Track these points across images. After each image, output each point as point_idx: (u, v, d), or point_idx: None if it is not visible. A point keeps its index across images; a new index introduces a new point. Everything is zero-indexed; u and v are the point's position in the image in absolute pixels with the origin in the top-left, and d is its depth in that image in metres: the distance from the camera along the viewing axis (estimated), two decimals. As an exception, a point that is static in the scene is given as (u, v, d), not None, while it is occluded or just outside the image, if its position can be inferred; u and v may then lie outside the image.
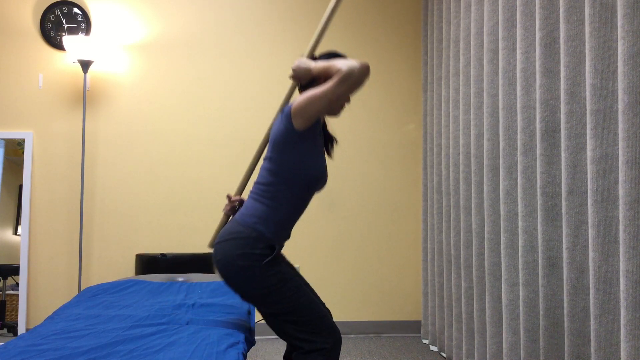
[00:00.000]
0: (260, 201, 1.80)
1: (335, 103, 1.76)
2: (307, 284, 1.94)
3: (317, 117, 1.76)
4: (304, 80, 1.87)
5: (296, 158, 1.78)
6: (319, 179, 1.84)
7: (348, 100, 1.86)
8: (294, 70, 1.87)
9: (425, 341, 3.64)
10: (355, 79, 1.67)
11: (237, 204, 2.00)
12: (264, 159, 1.87)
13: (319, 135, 1.85)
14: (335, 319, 3.70)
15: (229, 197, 2.01)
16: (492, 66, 2.50)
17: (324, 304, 1.92)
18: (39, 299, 3.63)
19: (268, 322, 1.82)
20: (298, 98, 1.75)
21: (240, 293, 1.81)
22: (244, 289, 1.78)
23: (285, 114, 1.77)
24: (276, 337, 2.67)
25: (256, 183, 1.86)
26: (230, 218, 1.93)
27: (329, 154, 1.96)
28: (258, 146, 2.04)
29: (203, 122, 3.78)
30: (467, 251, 2.83)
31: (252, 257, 1.74)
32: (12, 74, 3.70)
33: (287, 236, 1.88)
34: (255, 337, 2.76)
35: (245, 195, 2.01)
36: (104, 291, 2.85)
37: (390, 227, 3.85)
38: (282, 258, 1.89)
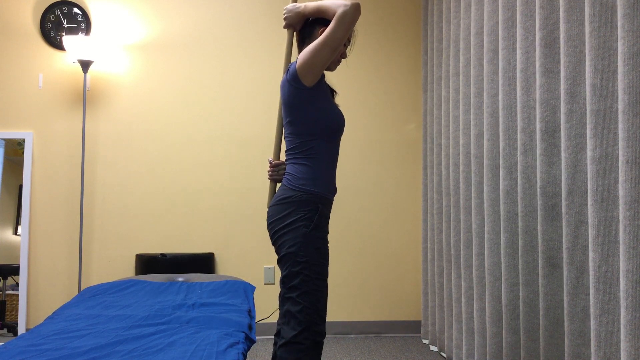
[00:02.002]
0: (300, 164, 1.85)
1: (337, 50, 1.77)
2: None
3: (323, 69, 1.80)
4: (298, 24, 1.92)
5: (315, 114, 1.83)
6: (340, 127, 1.90)
7: (344, 54, 1.92)
8: (285, 18, 1.92)
9: (425, 341, 3.64)
10: (350, 18, 1.72)
11: (278, 168, 2.01)
12: (284, 126, 1.91)
13: (326, 87, 1.91)
14: (335, 319, 3.75)
15: (270, 162, 2.02)
16: (492, 66, 2.50)
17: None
18: (39, 299, 3.63)
19: (280, 288, 1.85)
20: (301, 56, 1.79)
21: (278, 254, 1.84)
22: (282, 249, 1.81)
23: (292, 75, 1.81)
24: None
25: (287, 151, 1.91)
26: (279, 185, 1.97)
27: None
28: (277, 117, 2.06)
29: (203, 122, 3.78)
30: (467, 251, 2.83)
31: (302, 220, 1.79)
32: (12, 74, 3.70)
33: (335, 189, 1.93)
34: (256, 337, 2.76)
35: (282, 158, 2.04)
36: (104, 291, 2.85)
37: (390, 227, 3.85)
38: (327, 243, 1.91)
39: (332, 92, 2.02)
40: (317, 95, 1.83)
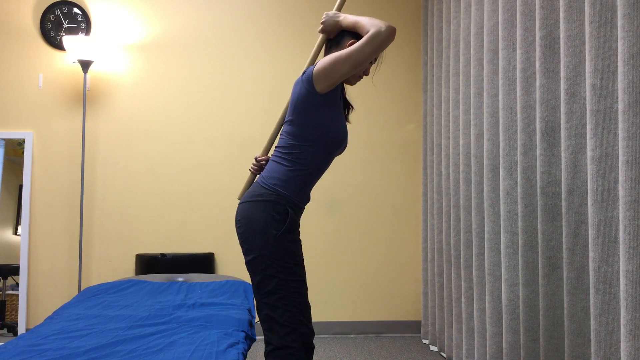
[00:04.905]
0: (281, 163, 1.81)
1: (360, 67, 1.75)
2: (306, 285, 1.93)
3: (340, 80, 1.76)
4: (332, 33, 1.90)
5: (317, 121, 1.79)
6: (339, 142, 1.85)
7: (367, 72, 1.89)
8: (322, 23, 1.90)
9: (425, 341, 3.64)
10: (382, 40, 1.70)
11: (263, 163, 1.98)
12: (284, 123, 1.88)
13: (339, 99, 1.86)
14: (335, 319, 3.75)
15: (255, 158, 2.00)
16: (492, 66, 2.50)
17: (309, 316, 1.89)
18: (39, 299, 3.63)
19: (254, 296, 1.80)
20: (321, 61, 1.76)
21: (247, 256, 1.79)
22: (253, 251, 1.76)
23: (307, 77, 1.78)
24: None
25: (277, 147, 1.87)
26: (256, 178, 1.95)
27: (346, 119, 1.98)
28: (275, 124, 2.04)
29: (203, 122, 3.78)
30: (467, 251, 2.83)
31: (272, 221, 1.74)
32: (12, 74, 3.70)
33: (307, 198, 1.88)
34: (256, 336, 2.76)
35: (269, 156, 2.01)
36: (104, 291, 2.85)
37: (390, 227, 3.85)
38: (300, 243, 1.88)
39: (347, 106, 1.99)
40: (326, 104, 1.79)
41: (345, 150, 3.79)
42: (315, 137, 1.80)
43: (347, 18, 1.84)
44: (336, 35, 1.90)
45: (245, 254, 1.80)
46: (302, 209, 1.88)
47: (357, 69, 1.75)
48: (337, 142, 1.85)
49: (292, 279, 1.75)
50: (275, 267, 1.73)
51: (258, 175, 1.90)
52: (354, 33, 1.83)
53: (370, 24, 1.73)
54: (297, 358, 1.72)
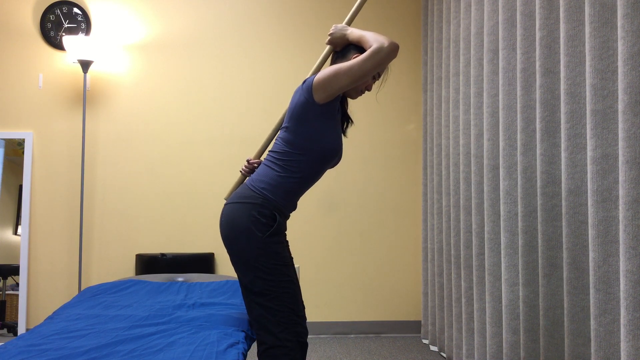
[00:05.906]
0: (272, 168, 1.82)
1: (360, 81, 1.76)
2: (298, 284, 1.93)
3: (339, 93, 1.77)
4: (339, 46, 1.91)
5: (312, 130, 1.79)
6: (332, 154, 1.85)
7: (369, 87, 1.89)
8: (330, 35, 1.91)
9: (425, 341, 3.64)
10: (383, 56, 1.71)
11: (255, 165, 1.98)
12: (281, 129, 1.88)
13: (337, 111, 1.86)
14: (335, 319, 3.75)
15: (247, 160, 2.01)
16: (492, 66, 2.50)
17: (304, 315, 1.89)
18: (39, 299, 3.63)
19: (243, 296, 1.80)
20: (322, 71, 1.77)
21: (233, 258, 1.79)
22: (239, 254, 1.77)
23: (307, 85, 1.78)
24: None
25: (270, 151, 1.88)
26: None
27: (344, 133, 1.98)
28: (271, 130, 2.04)
29: (203, 122, 3.78)
30: (467, 251, 2.83)
31: (256, 224, 1.74)
32: (12, 74, 3.70)
33: (294, 207, 1.88)
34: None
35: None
36: (104, 291, 2.85)
37: (390, 227, 3.85)
38: (287, 245, 1.88)
39: (347, 120, 1.98)
40: (323, 115, 1.79)
41: (345, 150, 3.79)
42: (309, 146, 1.80)
43: (353, 32, 1.85)
44: (343, 48, 1.91)
45: (230, 254, 1.80)
46: (287, 217, 1.87)
47: (357, 83, 1.75)
48: (329, 155, 1.84)
49: (281, 279, 1.75)
50: (262, 269, 1.74)
51: (247, 178, 1.90)
52: (360, 47, 1.84)
53: (373, 39, 1.74)
54: (292, 357, 1.72)
